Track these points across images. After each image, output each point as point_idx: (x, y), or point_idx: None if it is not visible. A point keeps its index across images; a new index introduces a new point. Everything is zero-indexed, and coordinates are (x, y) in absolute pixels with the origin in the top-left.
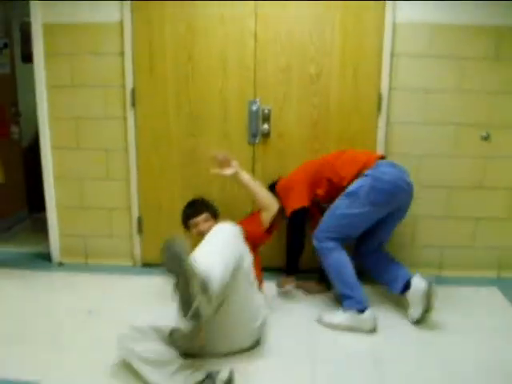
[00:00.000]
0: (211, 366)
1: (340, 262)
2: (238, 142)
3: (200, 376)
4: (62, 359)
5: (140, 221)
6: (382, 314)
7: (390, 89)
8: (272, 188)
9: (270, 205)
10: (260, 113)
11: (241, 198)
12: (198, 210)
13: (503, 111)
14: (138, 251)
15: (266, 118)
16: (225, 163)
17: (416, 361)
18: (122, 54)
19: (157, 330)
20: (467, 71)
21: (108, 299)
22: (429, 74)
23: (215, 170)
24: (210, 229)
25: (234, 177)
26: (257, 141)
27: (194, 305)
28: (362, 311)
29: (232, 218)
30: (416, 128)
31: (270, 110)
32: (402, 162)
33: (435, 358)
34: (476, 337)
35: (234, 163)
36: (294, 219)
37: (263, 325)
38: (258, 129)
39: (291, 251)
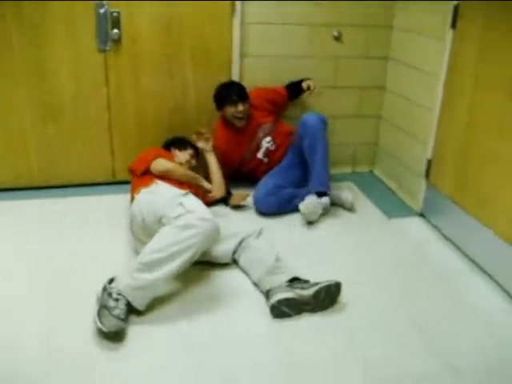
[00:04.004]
0: None
1: None
2: (86, 50)
3: None
4: None
5: None
6: None
7: None
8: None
9: (218, 188)
10: (109, 16)
11: (93, 112)
12: (186, 144)
13: (353, 10)
14: None
15: (116, 23)
16: (202, 137)
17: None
18: None
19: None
20: None
21: None
22: None
23: (193, 137)
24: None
25: (203, 152)
26: (107, 47)
27: None
28: None
29: (85, 128)
30: (271, 29)
31: (119, 13)
32: (258, 63)
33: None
34: (338, 225)
35: (211, 142)
36: None
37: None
38: (108, 34)
39: None
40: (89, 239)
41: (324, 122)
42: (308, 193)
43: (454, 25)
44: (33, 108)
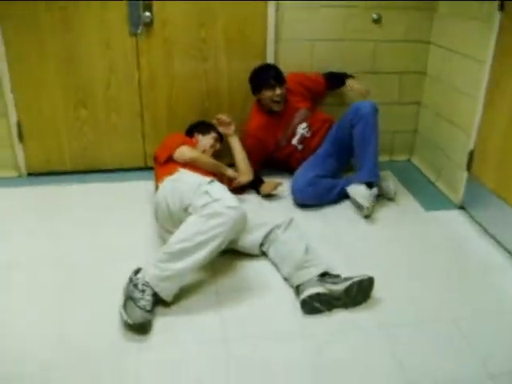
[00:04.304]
0: None
1: None
2: (118, 33)
3: None
4: None
5: (20, 127)
6: None
7: None
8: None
9: (245, 172)
10: None
11: (125, 96)
12: (209, 128)
13: None
14: (21, 160)
15: (148, 5)
16: (225, 123)
17: None
18: None
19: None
20: None
21: None
22: None
23: (214, 122)
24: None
25: (226, 138)
26: (139, 31)
27: None
28: None
29: (116, 113)
30: (307, 11)
31: None
32: (294, 46)
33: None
34: (373, 216)
35: (233, 127)
36: None
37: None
38: (140, 17)
39: None
40: (116, 225)
41: (377, 110)
42: (350, 182)
43: (502, 7)
44: (64, 92)
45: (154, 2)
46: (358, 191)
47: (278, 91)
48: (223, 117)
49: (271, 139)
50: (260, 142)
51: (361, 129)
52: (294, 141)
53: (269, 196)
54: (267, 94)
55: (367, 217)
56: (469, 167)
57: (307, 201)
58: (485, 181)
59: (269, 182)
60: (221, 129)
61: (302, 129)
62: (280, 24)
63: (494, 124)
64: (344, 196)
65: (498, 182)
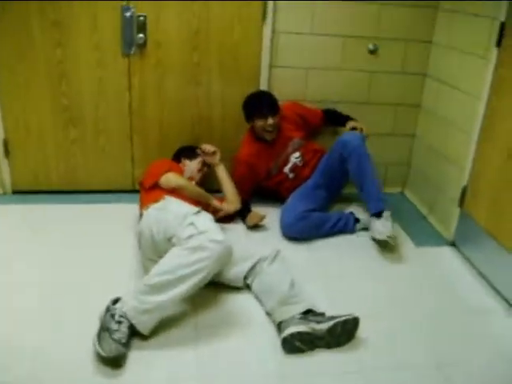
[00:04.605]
0: None
1: None
2: (110, 54)
3: None
4: None
5: (6, 143)
6: None
7: None
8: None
9: (232, 201)
10: (135, 20)
11: (114, 117)
12: (196, 152)
13: (391, 23)
14: (7, 177)
15: (142, 27)
16: (210, 153)
17: None
18: None
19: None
20: None
21: None
22: None
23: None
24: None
25: (212, 167)
26: (132, 52)
27: None
28: None
29: (106, 134)
30: (303, 39)
31: (145, 18)
32: (288, 74)
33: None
34: (360, 251)
35: (218, 156)
36: None
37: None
38: (133, 38)
39: None
40: (101, 248)
41: (364, 140)
42: (343, 217)
43: (499, 43)
44: (53, 110)
45: (148, 24)
46: (375, 229)
47: (271, 121)
48: (208, 147)
49: (263, 167)
50: (251, 169)
51: (355, 162)
52: (286, 169)
53: (255, 227)
54: (259, 123)
55: (393, 245)
56: (461, 203)
57: (297, 235)
58: (477, 218)
59: (255, 212)
60: (206, 158)
61: (294, 158)
62: (275, 50)
63: (488, 161)
64: (335, 232)
65: (489, 220)
